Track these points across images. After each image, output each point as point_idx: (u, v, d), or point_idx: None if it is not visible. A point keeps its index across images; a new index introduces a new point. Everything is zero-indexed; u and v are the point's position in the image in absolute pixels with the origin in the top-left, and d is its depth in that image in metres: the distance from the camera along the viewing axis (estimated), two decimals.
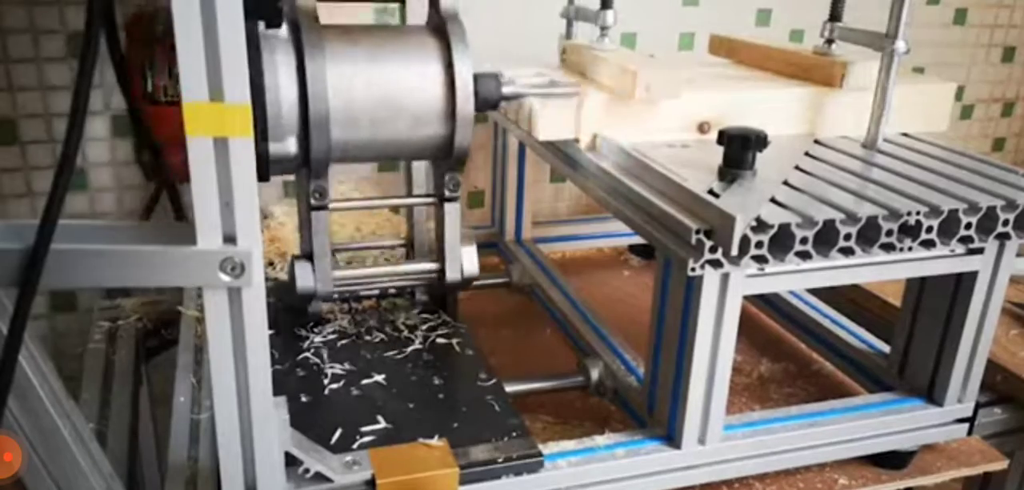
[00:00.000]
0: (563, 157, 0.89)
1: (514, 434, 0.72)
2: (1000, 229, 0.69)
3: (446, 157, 0.75)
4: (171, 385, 0.83)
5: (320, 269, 0.76)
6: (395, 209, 1.16)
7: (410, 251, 0.97)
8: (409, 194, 0.92)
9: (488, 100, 0.74)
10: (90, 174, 1.11)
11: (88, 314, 1.11)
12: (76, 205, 1.11)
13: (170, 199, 0.79)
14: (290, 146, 0.69)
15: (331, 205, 0.78)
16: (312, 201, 0.75)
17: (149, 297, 1.05)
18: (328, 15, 0.73)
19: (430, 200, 0.85)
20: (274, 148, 0.67)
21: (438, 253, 0.83)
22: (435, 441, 0.69)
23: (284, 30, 0.69)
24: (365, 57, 0.70)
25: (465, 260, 0.81)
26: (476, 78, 0.72)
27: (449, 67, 0.71)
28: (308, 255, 0.80)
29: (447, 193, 0.80)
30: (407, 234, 0.97)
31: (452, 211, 0.81)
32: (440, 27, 0.74)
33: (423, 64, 0.71)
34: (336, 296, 0.91)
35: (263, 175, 0.66)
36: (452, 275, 0.81)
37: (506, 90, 0.76)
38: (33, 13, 1.03)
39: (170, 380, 0.84)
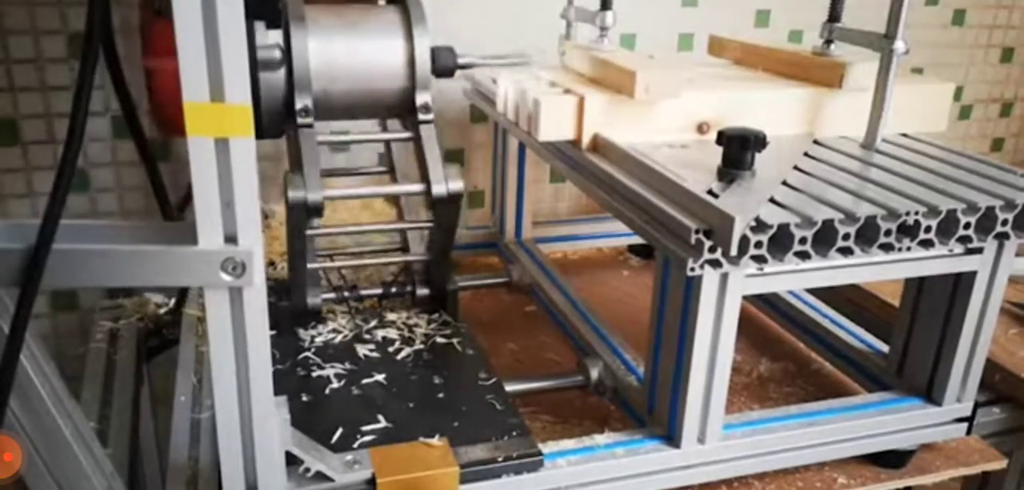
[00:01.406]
0: (563, 157, 0.89)
1: (514, 433, 0.72)
2: (999, 229, 0.70)
3: (412, 110, 0.84)
4: (172, 384, 0.83)
5: (310, 177, 0.77)
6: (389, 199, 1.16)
7: (405, 244, 0.97)
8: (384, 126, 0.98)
9: (445, 69, 0.85)
10: (91, 174, 1.11)
11: (89, 313, 1.11)
12: (77, 205, 1.11)
13: (157, 197, 0.80)
14: (279, 76, 0.78)
15: (320, 136, 0.81)
16: (299, 120, 0.79)
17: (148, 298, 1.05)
18: None
19: (407, 135, 0.87)
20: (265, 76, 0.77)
21: (421, 173, 0.83)
22: (435, 440, 0.69)
23: None
24: (342, 27, 0.82)
25: (449, 178, 0.82)
26: (434, 50, 0.83)
27: (411, 41, 0.82)
28: (298, 167, 0.81)
29: (421, 117, 0.83)
30: (397, 213, 0.97)
31: (428, 131, 0.84)
32: (403, 4, 0.83)
33: (389, 39, 0.82)
34: (334, 295, 0.92)
35: (259, 126, 0.69)
36: (438, 190, 0.81)
37: (461, 61, 0.86)
38: (34, 14, 1.03)
39: (171, 379, 0.85)
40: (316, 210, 0.78)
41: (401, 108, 0.85)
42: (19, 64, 1.04)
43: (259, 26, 0.76)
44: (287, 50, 0.77)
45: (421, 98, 0.83)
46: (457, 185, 0.82)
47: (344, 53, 0.80)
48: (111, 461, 0.63)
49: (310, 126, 0.79)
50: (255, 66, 0.75)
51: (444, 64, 0.85)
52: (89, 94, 0.50)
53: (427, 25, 0.82)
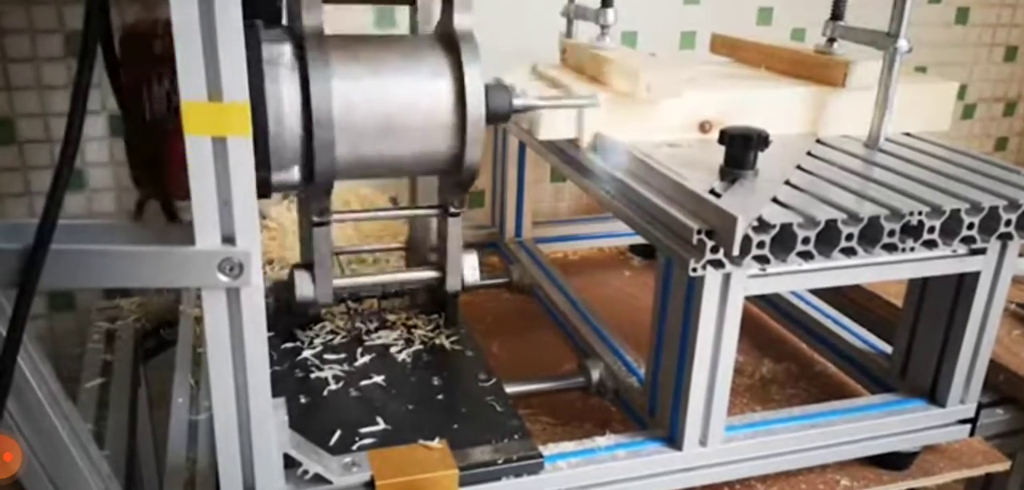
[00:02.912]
0: (564, 157, 0.89)
1: (514, 435, 0.71)
2: (1002, 229, 0.69)
3: (455, 174, 0.72)
4: (169, 386, 0.83)
5: (320, 279, 0.76)
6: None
7: (410, 254, 0.96)
8: (413, 204, 0.93)
9: (499, 113, 0.71)
10: (88, 174, 1.11)
11: (87, 314, 1.10)
12: (74, 205, 1.11)
13: (161, 205, 0.79)
14: (293, 175, 0.66)
15: (333, 219, 0.77)
16: (314, 218, 0.75)
17: (147, 297, 1.05)
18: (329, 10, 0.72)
19: (433, 211, 0.85)
20: (277, 178, 0.66)
21: (440, 263, 0.83)
22: (435, 442, 0.69)
23: (288, 50, 0.65)
24: (372, 73, 0.67)
25: (466, 269, 0.81)
26: (487, 90, 0.69)
27: (459, 82, 0.68)
28: (308, 265, 0.80)
29: (452, 208, 0.80)
30: (407, 239, 0.96)
31: (455, 225, 0.81)
32: (450, 37, 0.71)
33: (432, 79, 0.68)
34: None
35: (264, 195, 0.66)
36: (453, 285, 0.82)
37: (517, 103, 0.73)
38: (31, 12, 1.02)
39: (168, 381, 0.84)
40: (325, 305, 0.75)
41: (444, 170, 0.73)
42: (16, 63, 1.04)
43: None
44: (308, 138, 0.64)
45: (470, 159, 0.68)
46: (473, 277, 0.80)
47: (372, 111, 0.66)
48: (108, 462, 0.63)
49: (326, 224, 0.74)
50: (268, 167, 0.64)
51: (498, 108, 0.70)
52: (86, 93, 0.50)
53: (480, 61, 0.67)
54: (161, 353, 0.98)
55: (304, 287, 0.74)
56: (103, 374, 0.89)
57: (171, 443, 0.74)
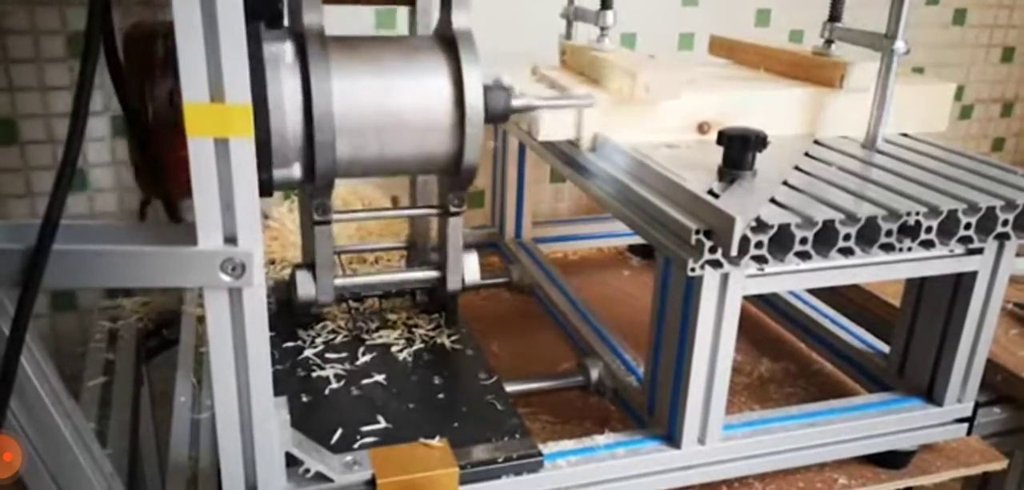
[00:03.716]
0: (563, 158, 0.89)
1: (514, 434, 0.72)
2: (999, 229, 0.70)
3: (454, 173, 0.73)
4: (172, 385, 0.83)
5: (321, 279, 0.76)
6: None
7: (412, 252, 0.97)
8: (414, 204, 0.93)
9: (497, 113, 0.72)
10: (90, 174, 1.11)
11: (89, 314, 1.11)
12: (75, 205, 1.11)
13: (165, 205, 0.79)
14: (295, 172, 0.67)
15: (334, 218, 0.77)
16: (315, 216, 0.75)
17: (150, 297, 1.05)
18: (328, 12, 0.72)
19: (434, 211, 0.85)
20: (278, 174, 0.66)
21: (441, 263, 0.84)
22: (435, 441, 0.69)
23: (289, 49, 0.66)
24: (372, 73, 0.68)
25: (466, 268, 0.81)
26: (486, 90, 0.70)
27: (458, 82, 0.69)
28: (309, 265, 0.80)
29: (452, 208, 0.80)
30: (409, 235, 0.97)
31: (456, 224, 0.81)
32: (448, 37, 0.71)
33: (431, 78, 0.69)
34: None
35: (265, 193, 0.66)
36: (453, 284, 0.82)
37: (516, 103, 0.74)
38: (34, 14, 1.03)
39: (171, 380, 0.84)
40: (325, 304, 0.76)
41: (443, 170, 0.74)
42: (18, 64, 1.04)
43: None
44: (309, 137, 0.65)
45: (469, 158, 0.69)
46: (473, 277, 0.80)
47: (373, 110, 0.66)
48: (110, 461, 0.63)
49: (327, 223, 0.75)
50: (269, 166, 0.65)
51: (496, 108, 0.71)
52: (89, 94, 0.50)
53: (479, 61, 0.68)
54: (163, 352, 0.99)
55: (305, 287, 0.75)
56: (105, 373, 0.89)
57: (173, 442, 0.75)
